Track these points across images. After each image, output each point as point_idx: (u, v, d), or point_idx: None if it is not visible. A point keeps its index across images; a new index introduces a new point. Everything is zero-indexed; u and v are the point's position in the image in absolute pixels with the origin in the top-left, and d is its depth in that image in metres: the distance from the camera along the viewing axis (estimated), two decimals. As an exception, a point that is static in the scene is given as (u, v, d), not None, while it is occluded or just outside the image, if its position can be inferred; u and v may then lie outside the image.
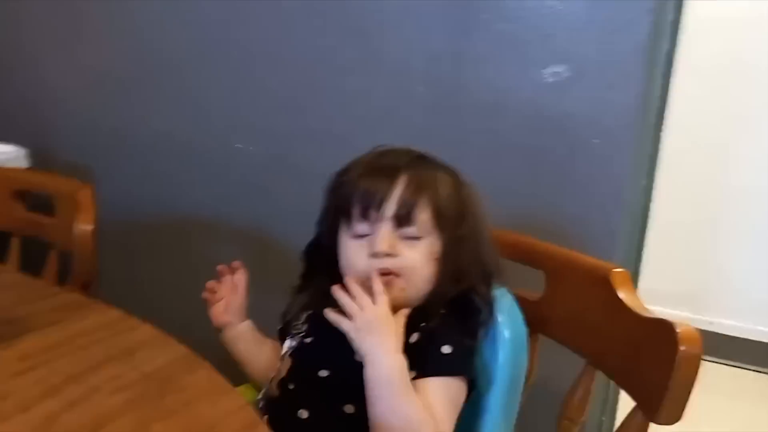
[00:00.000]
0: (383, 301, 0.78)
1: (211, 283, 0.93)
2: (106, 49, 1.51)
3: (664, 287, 2.30)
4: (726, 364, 2.29)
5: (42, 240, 1.15)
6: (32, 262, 1.14)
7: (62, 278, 1.11)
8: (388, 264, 0.81)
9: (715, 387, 2.18)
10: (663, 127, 1.23)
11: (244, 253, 1.49)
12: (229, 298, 0.93)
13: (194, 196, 1.49)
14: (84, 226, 1.04)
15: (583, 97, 1.13)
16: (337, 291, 0.79)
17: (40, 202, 1.18)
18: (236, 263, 0.94)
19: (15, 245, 1.18)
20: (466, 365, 0.82)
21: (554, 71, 1.13)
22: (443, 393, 0.79)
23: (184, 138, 1.47)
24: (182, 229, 1.53)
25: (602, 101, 1.12)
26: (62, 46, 1.55)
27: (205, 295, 0.93)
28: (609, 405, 1.37)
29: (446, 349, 0.80)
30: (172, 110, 1.47)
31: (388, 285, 0.81)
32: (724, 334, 2.27)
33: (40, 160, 1.51)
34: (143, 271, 1.59)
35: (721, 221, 2.27)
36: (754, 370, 2.28)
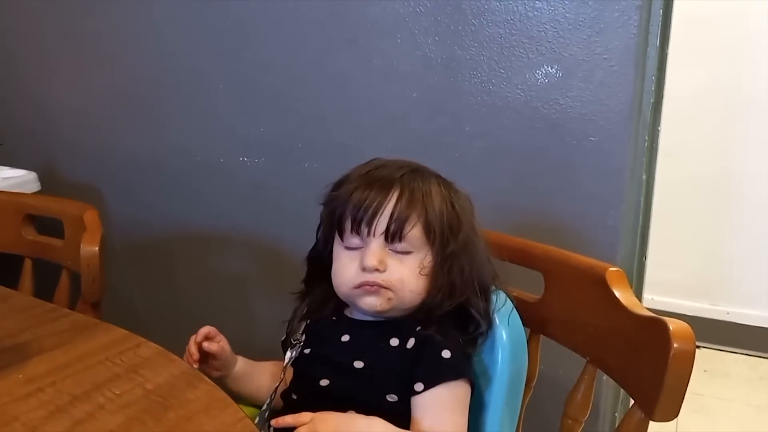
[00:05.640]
0: (306, 415, 0.75)
1: (189, 360, 0.87)
2: (111, 68, 1.54)
3: (679, 279, 2.30)
4: (744, 354, 2.27)
5: (55, 262, 1.18)
6: (48, 284, 1.17)
7: (76, 299, 1.14)
8: (377, 278, 0.82)
9: (733, 377, 2.17)
10: (660, 121, 1.22)
11: (256, 265, 1.52)
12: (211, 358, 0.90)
13: (203, 211, 1.52)
14: (90, 247, 1.07)
15: (577, 96, 1.13)
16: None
17: (50, 225, 1.21)
18: (200, 334, 0.88)
19: (27, 268, 1.21)
20: (467, 367, 0.83)
21: (546, 72, 1.14)
22: (452, 400, 0.80)
23: (191, 154, 1.49)
24: (193, 244, 1.55)
25: (596, 99, 1.12)
26: (68, 68, 1.59)
27: (190, 362, 0.87)
28: (622, 401, 1.37)
29: (446, 354, 0.81)
30: (177, 127, 1.50)
31: (375, 294, 0.82)
32: (741, 324, 2.25)
33: (49, 182, 1.55)
34: (157, 287, 1.62)
35: (733, 210, 2.25)
36: (771, 359, 2.26)
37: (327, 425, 0.74)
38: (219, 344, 0.89)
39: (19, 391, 0.72)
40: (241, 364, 0.93)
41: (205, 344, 0.87)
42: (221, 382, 0.89)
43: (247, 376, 0.93)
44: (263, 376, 0.94)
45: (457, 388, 0.81)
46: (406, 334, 0.83)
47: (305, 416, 0.74)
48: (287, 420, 0.74)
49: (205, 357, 0.89)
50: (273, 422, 0.76)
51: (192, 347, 0.87)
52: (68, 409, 0.69)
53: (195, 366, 0.86)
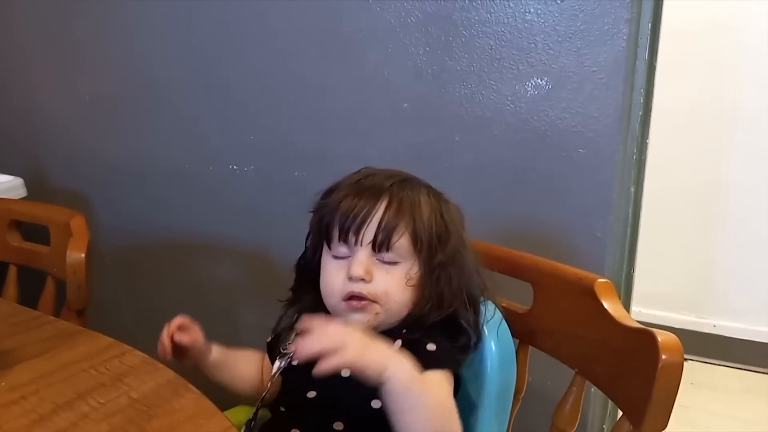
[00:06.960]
0: (338, 327, 0.71)
1: (162, 352, 0.87)
2: (98, 75, 1.53)
3: (666, 292, 2.31)
4: (730, 367, 2.28)
5: (41, 269, 1.17)
6: (33, 291, 1.16)
7: (61, 306, 1.12)
8: (363, 289, 0.81)
9: (720, 389, 2.18)
10: (648, 133, 1.23)
11: (245, 273, 1.51)
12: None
13: (191, 219, 1.51)
14: (76, 254, 1.06)
15: (566, 108, 1.14)
16: (302, 348, 0.68)
17: (35, 231, 1.20)
18: (173, 326, 0.87)
19: (12, 275, 1.20)
20: (452, 361, 0.81)
21: (536, 84, 1.15)
22: (436, 380, 0.77)
23: (180, 161, 1.49)
24: (181, 252, 1.54)
25: (585, 111, 1.13)
26: (55, 74, 1.58)
27: (163, 355, 0.87)
28: (610, 413, 1.37)
29: (431, 347, 0.80)
30: (166, 134, 1.49)
31: (361, 309, 0.82)
32: (728, 337, 2.27)
33: (36, 188, 1.53)
34: (143, 295, 1.61)
35: (720, 223, 2.26)
36: (758, 372, 2.27)
37: (363, 344, 0.69)
38: (191, 335, 0.87)
39: (2, 399, 0.71)
40: (216, 353, 0.91)
41: (176, 336, 0.86)
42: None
43: (222, 366, 0.92)
44: (240, 365, 0.94)
45: (441, 374, 0.78)
46: (392, 338, 0.82)
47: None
48: (323, 340, 0.66)
49: (179, 349, 0.87)
50: (297, 348, 0.68)
51: (165, 340, 0.86)
52: (51, 418, 0.68)
53: (168, 358, 0.85)
